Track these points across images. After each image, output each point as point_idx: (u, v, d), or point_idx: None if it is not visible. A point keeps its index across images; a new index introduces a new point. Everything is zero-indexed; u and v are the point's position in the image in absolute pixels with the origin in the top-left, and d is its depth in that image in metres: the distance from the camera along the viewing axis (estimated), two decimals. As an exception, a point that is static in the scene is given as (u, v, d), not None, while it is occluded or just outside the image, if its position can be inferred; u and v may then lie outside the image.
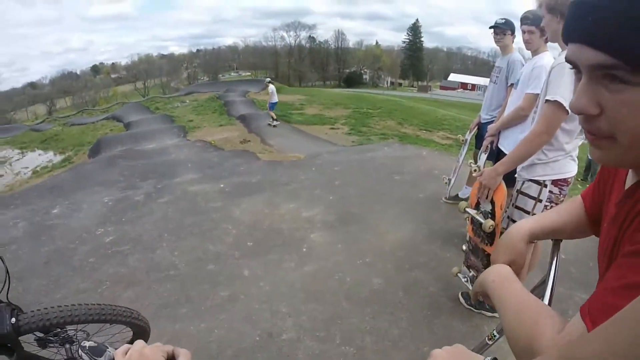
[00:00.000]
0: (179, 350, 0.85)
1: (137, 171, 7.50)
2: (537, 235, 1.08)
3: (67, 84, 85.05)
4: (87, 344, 0.84)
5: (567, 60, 0.61)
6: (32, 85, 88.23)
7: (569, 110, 2.15)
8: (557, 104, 2.16)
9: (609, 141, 0.58)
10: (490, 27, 4.12)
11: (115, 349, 0.86)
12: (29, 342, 1.88)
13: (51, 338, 2.01)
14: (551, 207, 2.52)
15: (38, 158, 17.73)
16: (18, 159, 18.45)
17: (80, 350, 0.82)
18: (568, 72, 2.15)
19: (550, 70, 2.26)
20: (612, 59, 0.52)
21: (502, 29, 4.03)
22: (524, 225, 1.10)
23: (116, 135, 15.94)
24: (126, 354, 0.81)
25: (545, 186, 2.49)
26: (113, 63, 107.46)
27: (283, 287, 3.42)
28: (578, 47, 0.57)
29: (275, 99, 14.83)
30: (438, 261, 3.78)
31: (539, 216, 1.11)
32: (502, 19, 4.10)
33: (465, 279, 3.18)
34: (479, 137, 4.53)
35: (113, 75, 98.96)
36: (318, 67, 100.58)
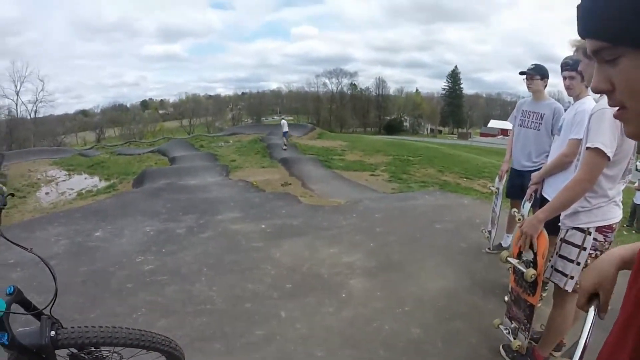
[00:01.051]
0: None
1: (179, 205, 7.56)
2: (629, 263, 1.01)
3: (116, 114, 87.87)
4: None
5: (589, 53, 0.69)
6: (84, 112, 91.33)
7: (610, 157, 2.12)
8: (598, 151, 2.13)
9: (626, 111, 0.68)
10: (520, 73, 4.13)
11: None
12: (61, 356, 1.88)
13: (84, 356, 2.01)
14: (596, 255, 2.43)
15: (84, 181, 18.25)
16: (64, 180, 19.00)
17: None
18: (608, 118, 2.11)
19: (590, 117, 2.24)
20: (601, 42, 0.63)
21: (530, 75, 4.03)
22: (616, 251, 1.06)
23: (161, 168, 16.33)
24: None
25: (590, 234, 2.41)
26: (162, 100, 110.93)
27: (320, 331, 3.32)
28: (585, 41, 0.68)
29: (286, 129, 22.86)
30: (479, 312, 3.65)
31: (633, 244, 1.05)
32: (532, 64, 4.11)
33: (507, 331, 3.04)
34: (514, 186, 4.41)
35: (161, 111, 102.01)
36: (359, 113, 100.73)
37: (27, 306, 1.82)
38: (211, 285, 4.07)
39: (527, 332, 2.83)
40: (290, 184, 10.79)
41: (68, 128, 73.59)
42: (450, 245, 5.27)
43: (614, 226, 2.42)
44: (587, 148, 2.18)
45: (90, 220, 6.42)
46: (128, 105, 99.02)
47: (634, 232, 9.72)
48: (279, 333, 3.29)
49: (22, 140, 46.21)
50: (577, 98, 3.13)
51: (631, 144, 2.22)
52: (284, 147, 20.78)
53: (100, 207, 7.59)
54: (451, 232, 5.79)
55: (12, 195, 2.52)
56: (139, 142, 44.95)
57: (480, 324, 3.44)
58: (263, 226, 6.10)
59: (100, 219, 6.47)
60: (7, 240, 1.86)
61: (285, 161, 16.32)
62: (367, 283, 4.20)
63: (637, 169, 5.19)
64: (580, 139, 2.71)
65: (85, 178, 19.16)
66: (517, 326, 2.94)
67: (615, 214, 2.41)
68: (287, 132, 22.59)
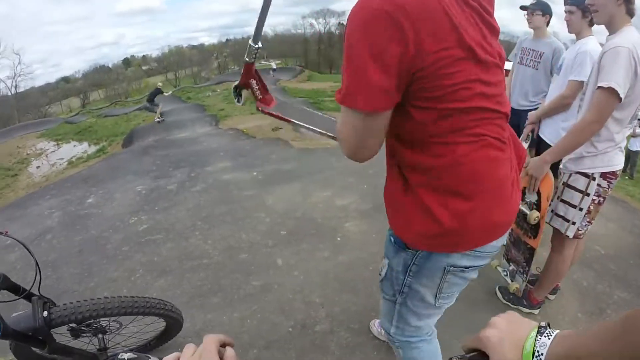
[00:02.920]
0: (227, 352, 0.74)
1: (169, 160, 7.49)
2: None
3: (99, 77, 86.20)
4: (125, 356, 0.74)
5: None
6: (65, 79, 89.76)
7: (622, 98, 2.02)
8: (611, 91, 2.01)
9: None
10: (521, 7, 3.97)
11: (160, 358, 0.75)
12: (60, 334, 1.87)
13: (84, 328, 2.00)
14: (599, 202, 2.40)
15: (73, 149, 18.14)
16: (54, 151, 18.86)
17: None
18: (623, 56, 2.00)
19: (601, 56, 2.10)
20: None
21: (531, 9, 3.85)
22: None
23: (149, 125, 16.08)
24: None
25: (594, 179, 2.35)
26: (144, 55, 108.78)
27: (317, 277, 3.34)
28: None
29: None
30: None
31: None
32: None
33: (505, 273, 3.06)
34: (511, 125, 4.29)
35: (144, 67, 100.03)
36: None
37: (17, 290, 1.79)
38: (206, 239, 4.06)
39: (525, 275, 2.85)
40: (280, 128, 10.63)
41: (51, 98, 72.36)
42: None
43: (617, 172, 2.36)
44: (599, 87, 2.06)
45: (81, 187, 6.37)
46: (110, 66, 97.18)
47: (627, 178, 9.70)
48: (276, 282, 3.30)
49: (6, 119, 45.39)
50: (578, 36, 2.99)
51: None
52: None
53: (90, 173, 7.53)
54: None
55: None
56: (125, 101, 44.39)
57: None
58: (254, 174, 6.07)
59: (91, 185, 6.42)
60: (-21, 226, 1.82)
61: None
62: (362, 225, 4.20)
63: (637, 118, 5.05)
64: (581, 81, 2.64)
65: (75, 145, 19.02)
66: (515, 268, 2.95)
67: (619, 160, 2.35)
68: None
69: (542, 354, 0.66)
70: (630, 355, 0.55)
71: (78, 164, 13.41)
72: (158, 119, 15.92)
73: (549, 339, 0.66)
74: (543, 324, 0.70)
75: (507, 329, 0.74)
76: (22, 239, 1.82)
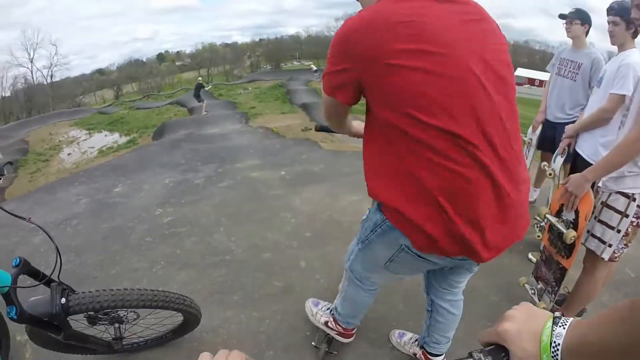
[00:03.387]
0: None
1: (198, 155, 7.50)
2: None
3: (133, 70, 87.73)
4: None
5: None
6: (100, 71, 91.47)
7: None
8: None
9: None
10: (560, 16, 3.86)
11: None
12: (76, 320, 1.85)
13: (101, 317, 1.98)
14: (637, 223, 2.28)
15: (104, 139, 18.47)
16: (85, 139, 19.20)
17: None
18: None
19: None
20: None
21: (570, 18, 3.75)
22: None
23: (180, 119, 16.31)
24: None
25: (634, 200, 2.23)
26: (178, 51, 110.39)
27: (339, 282, 3.24)
28: None
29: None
30: (501, 268, 3.50)
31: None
32: (573, 8, 3.84)
33: (532, 291, 2.93)
34: (545, 138, 4.20)
35: (178, 63, 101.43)
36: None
37: (36, 275, 1.76)
38: (230, 236, 4.02)
39: (553, 295, 2.72)
40: (310, 129, 10.59)
41: (86, 88, 74.16)
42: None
43: None
44: None
45: (110, 176, 6.41)
46: (144, 60, 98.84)
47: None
48: (298, 284, 3.23)
49: (41, 106, 46.64)
50: (621, 48, 2.84)
51: None
52: None
53: (119, 163, 7.57)
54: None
55: (11, 163, 2.46)
56: (157, 95, 45.07)
57: (501, 281, 3.32)
58: (283, 173, 6.02)
59: (120, 174, 6.46)
60: (6, 211, 1.82)
61: (305, 106, 16.11)
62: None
63: None
64: (623, 95, 2.51)
65: (106, 135, 19.38)
66: (544, 287, 2.82)
67: None
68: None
69: (558, 344, 0.67)
70: (637, 337, 0.56)
71: (108, 153, 13.63)
72: (205, 112, 18.00)
73: (564, 328, 0.68)
74: (558, 314, 0.72)
75: (523, 320, 0.75)
76: (49, 223, 1.81)
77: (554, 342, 0.67)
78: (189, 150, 8.03)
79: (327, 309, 2.55)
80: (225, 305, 2.98)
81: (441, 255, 1.43)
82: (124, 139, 17.09)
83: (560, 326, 0.69)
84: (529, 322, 0.74)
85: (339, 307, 2.31)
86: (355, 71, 1.34)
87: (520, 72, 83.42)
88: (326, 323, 2.46)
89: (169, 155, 7.67)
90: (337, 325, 2.37)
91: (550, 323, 0.70)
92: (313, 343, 2.56)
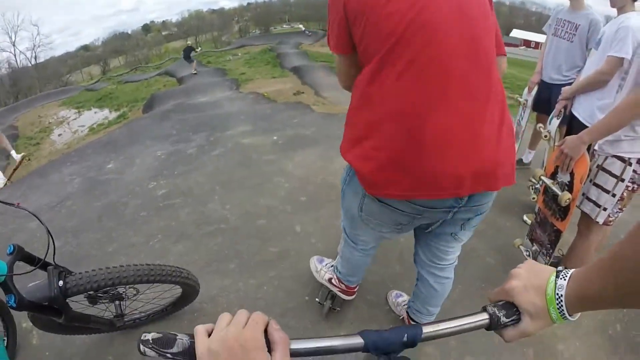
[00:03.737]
0: (275, 334, 0.68)
1: (189, 124, 7.44)
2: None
3: (119, 43, 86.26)
4: (149, 336, 0.67)
5: None
6: (85, 47, 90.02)
7: None
8: None
9: None
10: None
11: (188, 334, 0.69)
12: (77, 301, 1.87)
13: (101, 295, 1.99)
14: (633, 188, 2.27)
15: (94, 116, 18.33)
16: (75, 119, 19.04)
17: (141, 346, 0.66)
18: None
19: None
20: None
21: None
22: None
23: (169, 90, 16.15)
24: (210, 334, 0.66)
25: (630, 164, 2.22)
26: (164, 21, 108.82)
27: (336, 244, 3.23)
28: None
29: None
30: (497, 230, 3.53)
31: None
32: None
33: (527, 253, 2.96)
34: (541, 99, 4.15)
35: (164, 33, 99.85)
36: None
37: (32, 261, 1.77)
38: (224, 204, 4.03)
39: (548, 257, 2.74)
40: (303, 92, 10.49)
41: (72, 66, 72.77)
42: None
43: None
44: None
45: (102, 153, 6.37)
46: (129, 32, 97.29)
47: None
48: (293, 249, 3.26)
49: (27, 89, 45.73)
50: (620, 11, 2.78)
51: None
52: None
53: (110, 139, 7.51)
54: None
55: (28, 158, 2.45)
56: (145, 67, 44.48)
57: (497, 243, 3.35)
58: (275, 138, 5.99)
59: (111, 151, 6.42)
60: (-5, 199, 1.81)
61: (296, 70, 15.97)
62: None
63: None
64: (621, 57, 2.47)
65: (96, 112, 19.23)
66: (539, 249, 2.84)
67: None
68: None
69: (562, 296, 0.71)
70: (621, 283, 0.61)
71: (99, 130, 13.54)
72: (194, 71, 19.52)
73: (564, 280, 0.72)
74: (560, 268, 0.75)
75: (528, 277, 0.78)
76: (43, 206, 1.81)
77: (558, 294, 0.71)
78: (180, 120, 7.97)
79: (331, 266, 2.58)
80: (223, 274, 3.00)
81: (390, 197, 1.46)
82: (114, 115, 16.94)
83: (561, 278, 0.72)
84: (534, 278, 0.77)
85: (339, 265, 2.36)
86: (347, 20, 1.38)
87: (516, 33, 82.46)
88: (330, 280, 2.50)
89: (160, 127, 7.62)
90: (340, 283, 2.41)
91: (553, 277, 0.74)
92: (317, 299, 2.61)
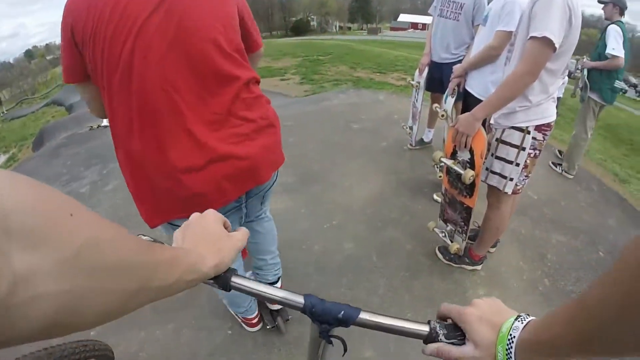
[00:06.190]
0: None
1: (80, 159, 6.87)
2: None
3: (1, 75, 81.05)
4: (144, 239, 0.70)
5: None
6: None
7: (557, 48, 1.92)
8: (545, 41, 1.91)
9: None
10: None
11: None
12: None
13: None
14: (535, 154, 2.34)
15: (-19, 164, 16.92)
16: (-42, 170, 17.53)
17: None
18: (557, 5, 1.87)
19: (533, 4, 1.98)
20: None
21: None
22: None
23: (58, 121, 15.16)
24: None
25: (529, 133, 2.28)
26: (47, 44, 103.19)
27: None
28: None
29: None
30: (410, 215, 3.56)
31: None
32: None
33: (443, 234, 3.00)
34: (433, 79, 4.25)
35: (49, 57, 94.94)
36: (263, 17, 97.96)
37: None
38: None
39: (464, 235, 2.78)
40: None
41: (-52, 110, 67.54)
42: (371, 145, 5.16)
43: (552, 124, 2.29)
44: (532, 37, 1.95)
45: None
46: (11, 61, 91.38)
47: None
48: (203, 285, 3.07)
49: None
50: None
51: (576, 35, 2.00)
52: None
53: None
54: (370, 131, 5.67)
55: None
56: (32, 98, 42.08)
57: (413, 228, 3.38)
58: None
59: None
60: None
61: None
62: (288, 202, 3.98)
63: (570, 75, 4.97)
64: (510, 31, 2.56)
65: (-18, 159, 17.79)
66: (453, 228, 2.88)
67: (553, 111, 2.28)
68: None
69: (514, 337, 0.69)
70: (587, 336, 0.57)
71: (-13, 178, 12.54)
72: None
73: (522, 323, 0.70)
74: (523, 314, 0.73)
75: (488, 311, 0.77)
76: None
77: (511, 334, 0.69)
78: (70, 155, 7.37)
79: None
80: (138, 325, 2.74)
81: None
82: (3, 159, 15.80)
83: (519, 321, 0.71)
84: (493, 314, 0.76)
85: (224, 301, 2.46)
86: None
87: (404, 17, 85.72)
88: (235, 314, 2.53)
89: (49, 167, 7.00)
90: (238, 316, 2.48)
91: (512, 319, 0.72)
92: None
